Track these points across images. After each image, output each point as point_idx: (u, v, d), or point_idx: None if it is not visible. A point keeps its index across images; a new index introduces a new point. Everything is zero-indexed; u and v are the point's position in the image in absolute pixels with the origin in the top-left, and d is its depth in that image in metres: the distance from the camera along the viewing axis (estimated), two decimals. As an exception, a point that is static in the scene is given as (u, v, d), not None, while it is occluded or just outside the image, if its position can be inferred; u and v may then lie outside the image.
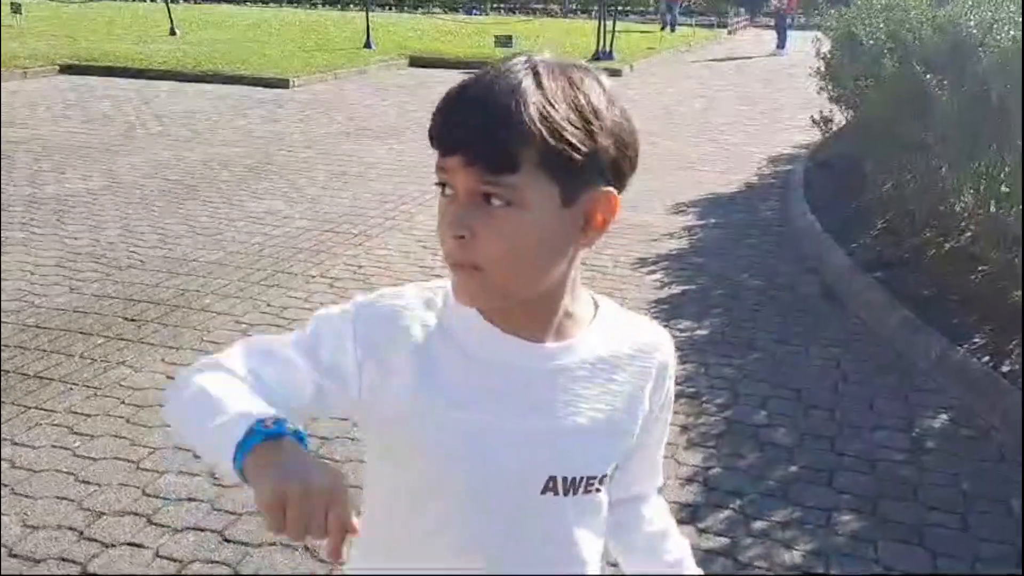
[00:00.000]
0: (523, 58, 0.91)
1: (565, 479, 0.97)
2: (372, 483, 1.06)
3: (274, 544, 2.71)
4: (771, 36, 18.94)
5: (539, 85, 0.88)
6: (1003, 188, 4.31)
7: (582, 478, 0.99)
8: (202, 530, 2.78)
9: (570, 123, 0.87)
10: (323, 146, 8.70)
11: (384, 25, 19.20)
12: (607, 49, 15.11)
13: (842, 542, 2.78)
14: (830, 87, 6.93)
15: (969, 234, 4.84)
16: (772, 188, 7.28)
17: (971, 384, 3.65)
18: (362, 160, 8.09)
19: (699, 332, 4.35)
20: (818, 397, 3.69)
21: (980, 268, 4.54)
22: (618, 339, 1.03)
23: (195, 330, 4.26)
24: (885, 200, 5.72)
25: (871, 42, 5.47)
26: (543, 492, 0.97)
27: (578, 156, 0.88)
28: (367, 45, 15.90)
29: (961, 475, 3.12)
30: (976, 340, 3.92)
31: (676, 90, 12.59)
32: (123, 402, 3.56)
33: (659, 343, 1.07)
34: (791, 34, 17.39)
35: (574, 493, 0.99)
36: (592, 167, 0.90)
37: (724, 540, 2.76)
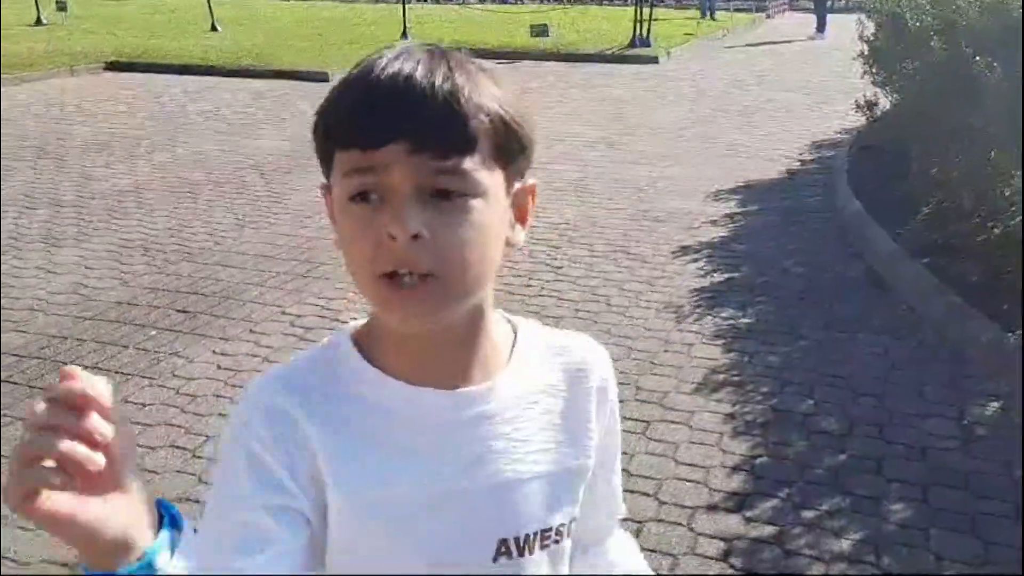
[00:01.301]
0: (407, 45, 0.80)
1: (517, 539, 0.86)
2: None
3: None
4: (810, 20, 18.65)
5: (462, 66, 0.78)
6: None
7: (536, 533, 0.87)
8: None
9: (512, 105, 0.80)
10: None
11: (420, 17, 19.25)
12: (644, 36, 14.98)
13: (892, 530, 2.76)
14: (874, 71, 6.82)
15: (1019, 219, 4.75)
16: (815, 174, 7.19)
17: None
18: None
19: (743, 320, 4.33)
20: (866, 385, 3.66)
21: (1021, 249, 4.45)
22: (547, 366, 0.91)
23: (244, 321, 4.34)
24: (931, 185, 5.63)
25: (917, 24, 5.38)
26: (495, 559, 0.85)
27: (522, 140, 0.81)
28: (403, 36, 15.97)
29: (1013, 463, 3.08)
30: (1028, 327, 3.85)
31: (714, 76, 12.47)
32: (178, 392, 3.65)
33: (593, 360, 0.94)
34: (830, 17, 17.09)
35: (530, 552, 0.86)
36: (526, 154, 0.83)
37: (772, 528, 2.76)
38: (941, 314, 4.19)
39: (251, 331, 4.23)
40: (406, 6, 16.40)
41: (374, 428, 0.83)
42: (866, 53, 6.92)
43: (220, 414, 3.45)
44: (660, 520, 2.81)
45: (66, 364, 3.84)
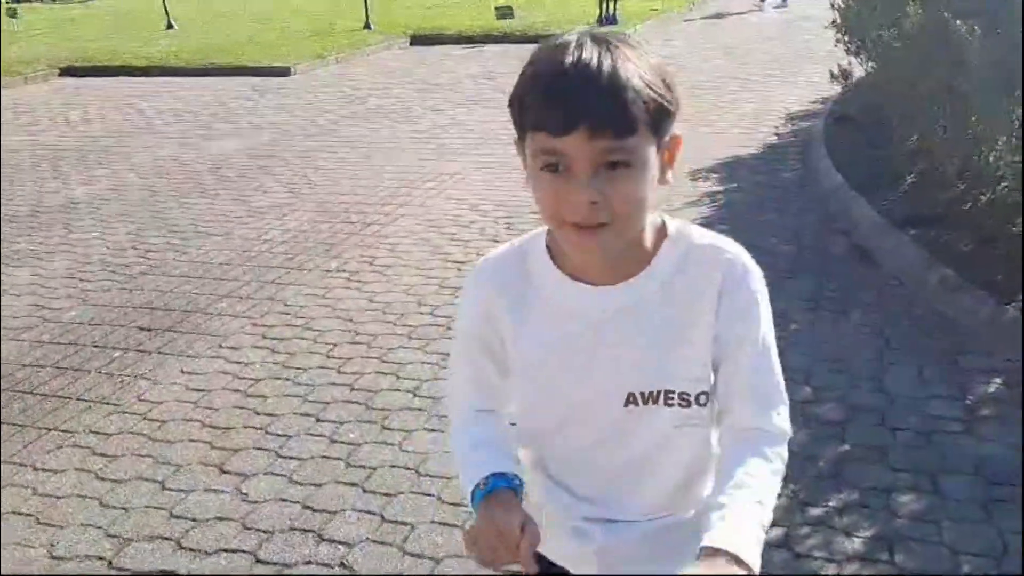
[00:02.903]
0: (577, 36, 1.02)
1: (643, 393, 1.15)
2: (518, 403, 1.28)
3: (310, 563, 2.61)
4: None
5: (624, 55, 1.00)
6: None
7: (659, 391, 1.15)
8: (234, 551, 2.67)
9: (660, 83, 1.02)
10: (328, 133, 8.54)
11: (382, 3, 18.91)
12: (611, 13, 14.80)
13: (904, 525, 2.63)
14: (847, 39, 6.68)
15: (1005, 185, 4.64)
16: (792, 146, 7.05)
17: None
18: (369, 145, 7.93)
19: (731, 305, 4.18)
20: (863, 367, 3.53)
21: (1020, 219, 4.34)
22: (679, 266, 1.15)
23: (212, 336, 4.14)
24: (912, 153, 5.51)
25: (892, -11, 5.24)
26: (626, 405, 1.16)
27: (670, 108, 1.04)
28: (367, 26, 15.64)
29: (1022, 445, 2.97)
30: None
31: (682, 51, 12.30)
32: (144, 418, 3.46)
33: (718, 257, 1.16)
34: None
35: (654, 403, 1.15)
36: (672, 116, 1.06)
37: (779, 530, 2.61)
38: (933, 288, 4.07)
39: (220, 346, 4.04)
40: (366, -6, 16.06)
41: (544, 311, 1.18)
42: (838, 22, 6.77)
43: (191, 440, 3.26)
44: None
45: (24, 394, 3.66)
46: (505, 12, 15.07)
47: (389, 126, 8.70)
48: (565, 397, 1.20)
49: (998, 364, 3.47)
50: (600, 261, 1.13)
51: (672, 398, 1.15)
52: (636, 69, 1.00)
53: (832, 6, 6.94)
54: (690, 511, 1.23)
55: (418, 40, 14.78)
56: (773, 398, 1.19)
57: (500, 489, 1.14)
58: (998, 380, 3.39)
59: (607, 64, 0.98)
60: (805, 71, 10.08)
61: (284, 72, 12.21)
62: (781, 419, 1.19)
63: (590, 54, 0.98)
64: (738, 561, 0.98)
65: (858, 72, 6.93)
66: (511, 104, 1.07)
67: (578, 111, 0.97)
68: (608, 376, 1.16)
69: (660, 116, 1.02)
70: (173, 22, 17.19)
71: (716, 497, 1.10)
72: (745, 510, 1.06)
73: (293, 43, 14.40)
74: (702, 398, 1.15)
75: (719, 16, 16.14)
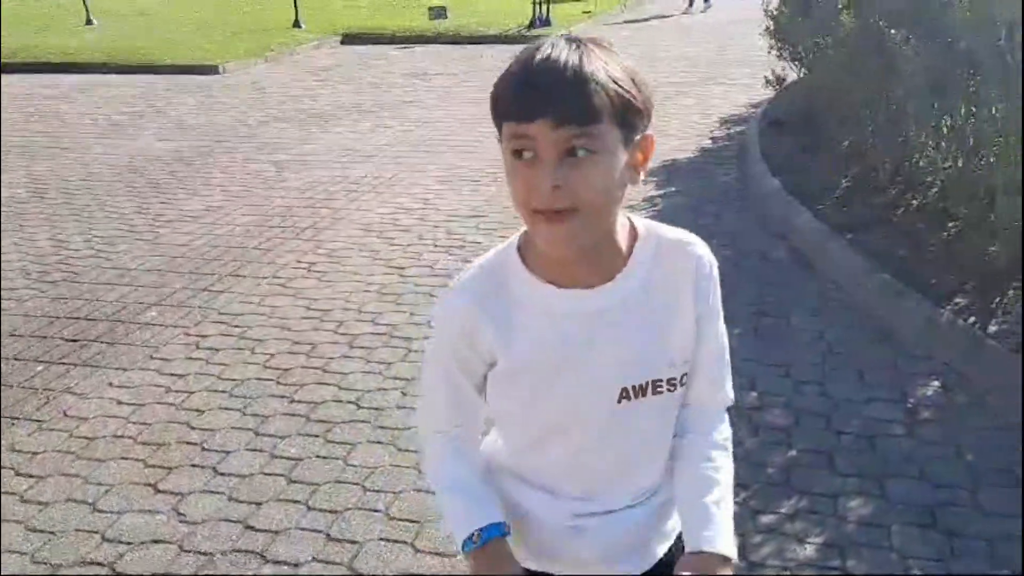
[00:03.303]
0: (554, 38, 1.10)
1: (634, 387, 1.22)
2: (498, 417, 1.33)
3: (253, 587, 2.50)
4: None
5: (593, 54, 1.07)
6: (970, 140, 4.23)
7: (648, 382, 1.22)
8: (172, 577, 2.54)
9: (627, 81, 1.08)
10: (258, 134, 8.33)
11: (314, 2, 18.61)
12: (544, 16, 14.83)
13: (854, 530, 2.65)
14: (780, 45, 6.79)
15: (936, 190, 4.76)
16: (727, 150, 7.13)
17: (960, 348, 3.55)
18: (302, 147, 7.76)
19: (675, 310, 4.19)
20: (807, 372, 3.57)
21: (952, 224, 4.46)
22: (654, 261, 1.22)
23: (143, 347, 3.97)
24: (845, 157, 5.63)
25: (824, -2, 5.33)
26: (619, 401, 1.22)
27: (636, 105, 1.09)
28: (296, 24, 15.35)
29: (963, 447, 3.02)
30: (959, 301, 3.83)
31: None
32: (72, 434, 3.29)
33: (688, 252, 1.24)
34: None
35: (643, 395, 1.22)
36: (642, 114, 1.11)
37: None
38: (871, 292, 4.13)
39: (152, 357, 3.87)
40: (296, -8, 15.77)
41: (526, 318, 1.21)
42: (772, 28, 6.88)
43: (123, 458, 3.11)
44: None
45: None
46: (438, 13, 14.97)
47: (322, 127, 8.53)
48: (558, 402, 1.24)
49: (936, 367, 3.54)
50: (574, 257, 1.15)
51: (660, 385, 1.23)
52: (603, 65, 1.06)
53: (765, 13, 7.04)
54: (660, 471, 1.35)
55: (350, 40, 14.57)
56: (725, 371, 1.33)
57: (493, 540, 1.22)
58: (936, 383, 3.45)
59: (574, 59, 1.05)
60: (736, 75, 10.23)
61: (212, 71, 11.89)
62: (729, 386, 1.35)
63: (559, 52, 1.06)
64: (725, 559, 1.19)
65: (791, 77, 7.05)
66: (490, 101, 1.13)
67: (543, 99, 1.04)
68: (600, 375, 1.21)
69: (626, 110, 1.07)
70: (93, 18, 16.61)
71: (690, 494, 1.27)
72: (719, 509, 1.24)
73: (221, 41, 14.05)
74: (684, 379, 1.26)
75: (650, 19, 16.32)
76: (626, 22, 16.08)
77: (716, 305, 1.27)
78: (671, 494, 1.32)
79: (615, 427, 1.25)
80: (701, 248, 1.26)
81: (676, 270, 1.23)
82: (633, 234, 1.22)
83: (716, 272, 1.27)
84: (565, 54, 1.06)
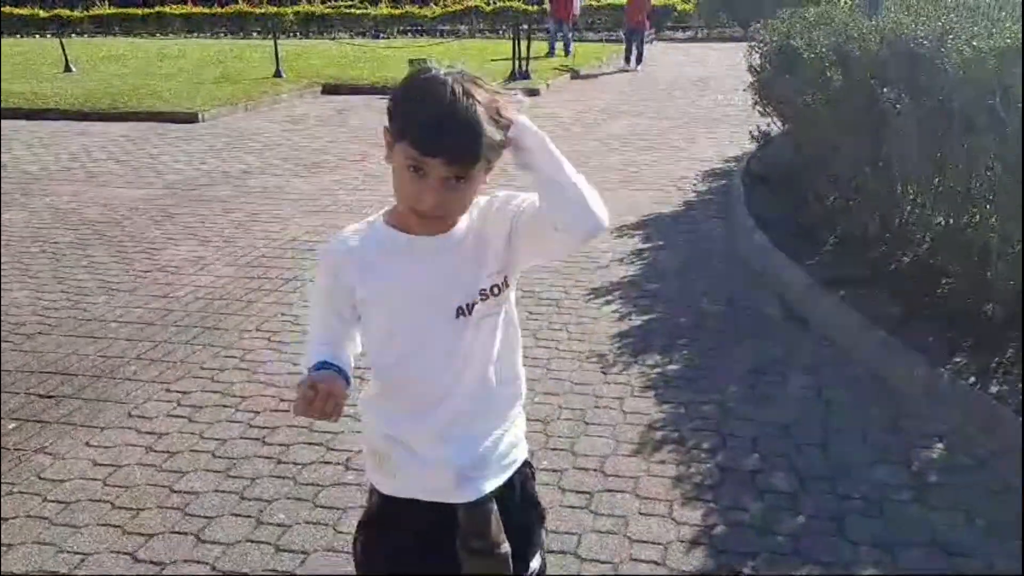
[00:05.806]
0: (445, 73, 1.44)
1: (468, 304, 1.59)
2: (368, 347, 1.68)
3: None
4: (679, 48, 19.11)
5: (476, 101, 1.41)
6: (959, 199, 4.23)
7: (474, 300, 1.59)
8: (152, 655, 2.38)
9: (494, 122, 1.43)
10: (239, 183, 8.24)
11: (293, 53, 18.68)
12: (524, 69, 14.99)
13: (869, 602, 2.55)
14: (763, 102, 6.85)
15: (926, 246, 4.75)
16: (712, 204, 7.14)
17: (962, 408, 3.50)
18: (284, 196, 7.67)
19: (670, 367, 4.12)
20: (808, 433, 3.49)
21: (945, 281, 4.44)
22: (474, 214, 1.60)
23: (121, 404, 3.82)
24: (833, 213, 5.63)
25: (812, 55, 5.37)
26: (457, 317, 1.59)
27: (500, 146, 1.46)
28: (277, 74, 15.37)
29: (972, 511, 2.94)
30: (957, 359, 3.78)
31: (594, 107, 12.50)
32: (45, 499, 3.12)
33: (488, 201, 1.60)
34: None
35: (472, 311, 1.59)
36: (502, 149, 1.47)
37: (745, 612, 2.50)
38: (868, 350, 4.09)
39: (130, 415, 3.72)
40: (278, 43, 15.83)
41: (384, 258, 1.59)
42: (756, 84, 6.94)
43: (99, 524, 2.95)
44: (621, 613, 2.51)
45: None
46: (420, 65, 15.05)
47: (304, 176, 8.46)
48: (408, 322, 1.60)
49: (938, 428, 3.48)
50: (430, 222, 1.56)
51: (485, 292, 1.59)
52: (484, 111, 1.41)
53: (749, 68, 7.11)
54: (509, 387, 1.71)
55: (330, 90, 14.60)
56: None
57: (327, 371, 1.53)
58: (940, 445, 3.39)
59: (471, 111, 1.39)
60: (715, 129, 10.32)
61: (192, 119, 11.83)
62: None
63: (459, 100, 1.39)
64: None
65: (774, 132, 7.10)
66: (393, 105, 1.49)
67: (444, 146, 1.41)
68: (438, 297, 1.58)
69: (492, 150, 1.45)
70: (72, 65, 16.54)
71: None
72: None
73: (201, 89, 14.02)
74: (500, 287, 1.61)
75: (587, 77, 16.52)
76: (601, 76, 16.26)
77: (506, 198, 1.58)
78: (522, 429, 1.77)
79: (457, 341, 1.60)
80: (497, 198, 1.60)
81: (478, 217, 1.60)
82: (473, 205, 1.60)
83: (501, 192, 1.60)
84: (463, 103, 1.39)
